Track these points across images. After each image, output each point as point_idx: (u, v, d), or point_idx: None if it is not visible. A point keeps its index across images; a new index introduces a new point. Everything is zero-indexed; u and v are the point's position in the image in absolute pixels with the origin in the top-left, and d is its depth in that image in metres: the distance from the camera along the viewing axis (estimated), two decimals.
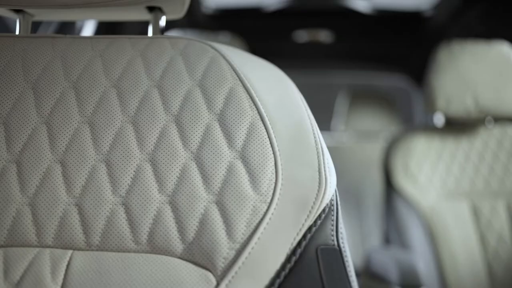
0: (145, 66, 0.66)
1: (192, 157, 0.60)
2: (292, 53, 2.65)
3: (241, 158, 0.59)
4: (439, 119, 1.74)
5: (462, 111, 1.59)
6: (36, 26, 1.49)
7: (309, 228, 0.57)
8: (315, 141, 0.61)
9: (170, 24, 2.09)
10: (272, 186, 0.57)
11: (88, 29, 1.69)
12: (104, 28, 1.73)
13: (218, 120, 0.61)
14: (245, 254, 0.55)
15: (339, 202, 0.61)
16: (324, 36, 2.45)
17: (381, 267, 1.43)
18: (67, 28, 1.62)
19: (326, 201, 0.58)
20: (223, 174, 0.58)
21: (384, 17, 2.35)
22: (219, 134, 0.60)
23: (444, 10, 2.18)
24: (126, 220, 0.57)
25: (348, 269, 0.57)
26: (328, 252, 0.56)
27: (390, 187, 1.65)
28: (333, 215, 0.59)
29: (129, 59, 0.67)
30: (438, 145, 1.67)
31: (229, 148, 0.60)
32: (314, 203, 0.57)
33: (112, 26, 1.74)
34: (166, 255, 0.56)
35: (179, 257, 0.56)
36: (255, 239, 0.55)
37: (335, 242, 0.58)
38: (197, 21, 2.24)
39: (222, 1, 2.29)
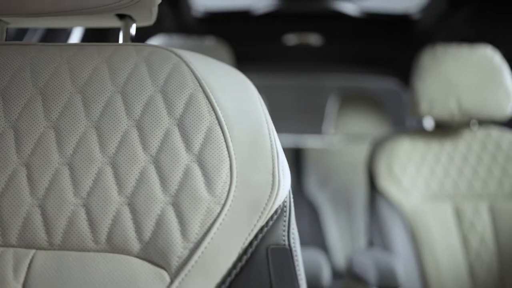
0: (110, 72, 0.69)
1: (151, 161, 0.63)
2: (282, 56, 2.68)
3: (197, 161, 0.62)
4: (428, 122, 1.76)
5: (446, 114, 1.61)
6: (23, 32, 1.52)
7: (261, 229, 0.60)
8: (271, 145, 0.64)
9: (159, 29, 2.13)
10: (227, 189, 0.60)
11: (76, 35, 1.73)
12: (91, 34, 1.76)
13: (178, 125, 0.64)
14: (198, 253, 0.58)
15: (292, 204, 0.64)
16: (313, 39, 2.48)
17: (361, 268, 1.46)
18: (56, 34, 1.65)
19: (279, 202, 0.61)
20: (180, 177, 0.61)
21: (373, 19, 2.38)
22: (178, 138, 0.63)
23: (431, 13, 2.21)
24: (87, 220, 0.60)
25: (297, 268, 0.60)
26: (279, 251, 0.59)
27: (374, 190, 1.67)
28: (285, 216, 0.62)
29: (95, 66, 0.70)
30: (422, 148, 1.69)
31: (187, 152, 0.62)
32: (266, 204, 0.60)
33: (99, 31, 1.77)
34: (124, 254, 0.59)
35: (136, 256, 0.59)
36: (208, 239, 0.58)
37: (286, 242, 0.61)
38: (187, 24, 2.27)
39: (211, 5, 2.32)
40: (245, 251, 0.59)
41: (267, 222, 0.60)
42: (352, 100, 2.72)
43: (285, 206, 0.62)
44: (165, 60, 0.70)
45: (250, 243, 0.59)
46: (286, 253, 0.60)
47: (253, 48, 2.60)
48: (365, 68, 2.76)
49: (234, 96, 0.68)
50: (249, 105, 0.68)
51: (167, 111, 0.65)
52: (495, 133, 1.72)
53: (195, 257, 0.58)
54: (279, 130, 3.36)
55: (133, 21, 0.81)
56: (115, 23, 0.82)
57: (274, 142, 0.65)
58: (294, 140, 2.85)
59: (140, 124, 0.65)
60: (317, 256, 1.42)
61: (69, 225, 0.60)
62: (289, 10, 2.30)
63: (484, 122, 1.73)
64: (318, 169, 2.67)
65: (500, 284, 1.55)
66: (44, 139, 0.65)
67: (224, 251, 0.58)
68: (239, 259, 0.58)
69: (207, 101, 0.66)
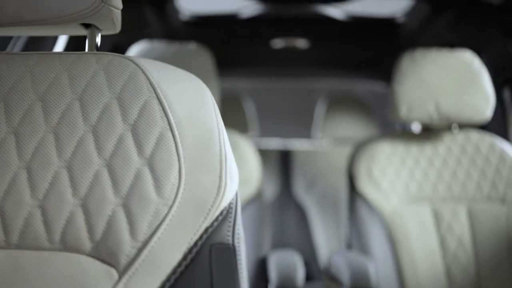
0: (69, 80, 0.73)
1: (104, 164, 0.66)
2: (270, 60, 2.72)
3: (148, 165, 0.66)
4: (416, 125, 1.79)
5: (425, 118, 1.64)
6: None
7: (206, 229, 0.64)
8: (220, 149, 0.68)
9: (146, 34, 2.17)
10: (175, 191, 0.64)
11: (60, 43, 1.77)
12: (73, 42, 1.80)
13: (131, 131, 0.68)
14: (146, 251, 0.62)
15: (239, 205, 0.68)
16: (300, 43, 2.52)
17: (336, 269, 1.50)
18: (41, 43, 1.68)
19: (224, 204, 0.65)
20: (131, 180, 0.65)
21: (360, 23, 2.41)
22: (131, 143, 0.67)
23: (415, 17, 2.24)
24: (42, 221, 0.64)
25: (239, 267, 0.63)
26: (222, 250, 0.63)
27: (353, 192, 1.70)
28: (231, 217, 0.66)
29: (56, 74, 0.74)
30: (402, 151, 1.72)
31: (139, 156, 0.66)
32: (212, 206, 0.64)
33: (80, 38, 1.81)
34: (77, 253, 0.63)
35: (88, 255, 0.63)
36: (155, 238, 0.62)
37: (230, 242, 0.65)
38: (174, 29, 2.31)
39: (198, 9, 2.36)
40: (190, 250, 0.63)
41: (212, 223, 0.64)
42: (339, 103, 2.76)
43: (231, 208, 0.66)
44: (123, 68, 0.74)
45: (195, 243, 0.63)
46: (229, 252, 0.63)
47: (240, 51, 2.64)
48: (352, 71, 2.79)
49: (187, 102, 0.72)
50: (201, 110, 0.71)
51: (122, 117, 0.69)
52: (475, 136, 1.75)
53: (143, 256, 0.61)
54: (267, 133, 3.40)
55: (98, 30, 0.84)
56: (81, 31, 0.86)
57: (223, 146, 0.69)
58: (283, 143, 2.89)
59: (96, 129, 0.69)
60: (293, 258, 1.45)
61: (26, 225, 0.64)
62: (276, 14, 2.34)
63: (465, 125, 1.75)
64: (306, 172, 2.71)
65: (477, 286, 1.58)
66: (3, 144, 0.69)
67: (170, 250, 0.62)
68: (184, 257, 0.62)
69: (160, 107, 0.70)
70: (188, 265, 0.62)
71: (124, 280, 0.61)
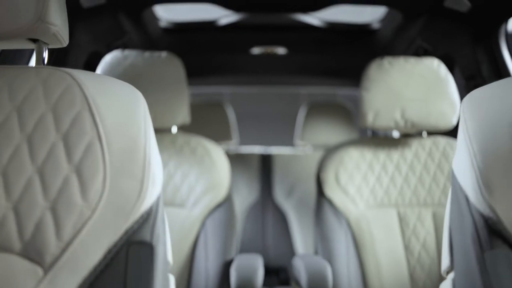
0: (9, 93, 0.80)
1: (36, 170, 0.73)
2: (249, 66, 2.79)
3: (76, 171, 0.72)
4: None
5: (391, 125, 1.69)
6: None
7: (126, 231, 0.71)
8: (144, 156, 0.75)
9: (123, 44, 2.23)
10: (98, 196, 0.71)
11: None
12: (55, 52, 1.88)
13: (63, 139, 0.75)
14: (69, 251, 0.68)
15: (160, 208, 0.75)
16: (279, 49, 2.58)
17: (297, 271, 1.55)
18: (16, 56, 1.75)
19: (145, 207, 0.72)
20: (59, 185, 0.72)
21: (337, 30, 2.47)
22: (61, 151, 0.74)
23: (389, 24, 2.31)
24: None
25: (155, 267, 0.70)
26: (139, 250, 0.70)
27: (321, 197, 1.76)
28: (151, 219, 0.73)
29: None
30: (370, 157, 1.77)
31: (68, 163, 0.73)
32: (132, 209, 0.71)
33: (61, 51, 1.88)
34: (8, 252, 0.70)
35: (18, 254, 0.70)
36: (78, 239, 0.69)
37: (149, 242, 0.71)
38: (152, 36, 2.38)
39: (176, 18, 2.43)
40: (110, 250, 0.69)
41: (132, 225, 0.71)
42: (320, 109, 2.81)
43: (152, 210, 0.73)
44: (60, 81, 0.80)
45: (115, 243, 0.70)
46: (146, 252, 0.70)
47: (219, 59, 2.70)
48: (332, 77, 2.85)
49: (117, 112, 0.78)
50: (130, 120, 0.78)
51: (55, 127, 0.76)
52: (442, 142, 1.80)
53: (66, 255, 0.68)
54: (247, 141, 3.45)
55: (45, 44, 0.91)
56: (29, 45, 0.93)
57: (148, 153, 0.75)
58: (264, 150, 2.95)
59: (31, 138, 0.75)
60: (254, 261, 1.51)
61: None
62: (254, 23, 2.40)
63: (432, 132, 1.81)
64: (286, 176, 2.77)
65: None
66: None
67: (92, 249, 0.69)
68: (104, 257, 0.69)
69: (91, 118, 0.76)
70: (107, 264, 0.69)
71: (48, 277, 0.67)
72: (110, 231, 0.70)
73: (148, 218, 0.72)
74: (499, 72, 1.98)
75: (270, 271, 2.72)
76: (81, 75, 0.83)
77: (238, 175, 2.81)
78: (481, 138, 0.79)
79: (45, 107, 0.78)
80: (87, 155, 0.73)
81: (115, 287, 0.67)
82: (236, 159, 2.85)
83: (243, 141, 3.28)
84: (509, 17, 1.84)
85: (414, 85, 1.70)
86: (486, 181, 0.75)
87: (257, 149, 2.95)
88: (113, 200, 0.71)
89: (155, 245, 0.71)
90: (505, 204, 0.73)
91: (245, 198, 2.78)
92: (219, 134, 2.75)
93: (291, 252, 2.66)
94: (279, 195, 2.75)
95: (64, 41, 0.92)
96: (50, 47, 0.93)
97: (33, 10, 0.79)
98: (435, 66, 1.75)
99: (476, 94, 0.86)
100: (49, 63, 1.91)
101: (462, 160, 0.82)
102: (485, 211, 0.75)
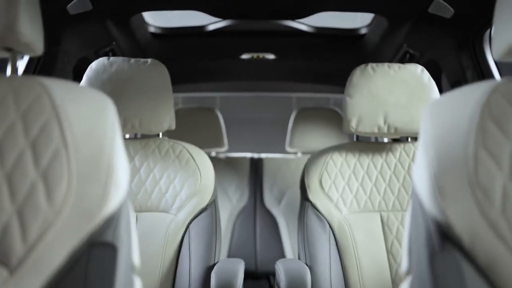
0: None
1: (4, 176, 0.77)
2: (238, 72, 2.82)
3: (42, 177, 0.76)
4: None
5: (374, 130, 1.72)
6: None
7: (90, 234, 0.74)
8: (109, 161, 0.78)
9: (111, 50, 2.27)
10: (63, 200, 0.74)
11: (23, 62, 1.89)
12: (42, 59, 1.92)
13: (31, 147, 0.79)
14: (34, 254, 0.72)
15: (125, 212, 0.78)
16: (268, 55, 2.62)
17: (278, 276, 1.58)
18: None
19: (109, 211, 0.75)
20: (26, 190, 0.75)
21: (326, 35, 2.51)
22: (29, 158, 0.78)
23: (376, 30, 2.34)
24: None
25: (117, 268, 0.73)
26: (102, 253, 0.73)
27: (305, 202, 1.78)
28: (114, 223, 0.76)
29: None
30: (354, 162, 1.80)
31: (35, 170, 0.77)
32: (96, 213, 0.74)
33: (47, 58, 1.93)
34: None
35: None
36: (43, 242, 0.72)
37: (111, 245, 0.74)
38: (140, 43, 2.42)
39: (164, 24, 2.47)
40: (73, 253, 0.73)
41: (96, 228, 0.74)
42: (311, 114, 2.84)
43: (116, 214, 0.76)
44: (30, 90, 0.84)
45: (79, 246, 0.73)
46: (108, 254, 0.73)
47: (207, 63, 2.74)
48: (321, 83, 2.89)
49: (85, 120, 0.82)
50: (98, 127, 0.82)
51: (24, 134, 0.79)
52: None
53: (31, 257, 0.72)
54: (238, 148, 3.47)
55: (20, 52, 0.95)
56: (3, 54, 0.96)
57: (112, 159, 0.79)
58: (256, 155, 2.98)
59: (0, 145, 0.79)
60: (235, 265, 1.55)
61: None
62: (243, 28, 2.44)
63: (416, 137, 1.83)
64: (276, 181, 2.80)
65: None
66: None
67: (56, 252, 0.72)
68: (67, 259, 0.72)
69: (58, 126, 0.80)
70: (70, 266, 0.72)
71: (14, 278, 0.71)
72: (74, 234, 0.73)
73: (112, 221, 0.76)
74: (484, 77, 2.01)
75: (260, 276, 2.75)
76: (52, 84, 0.86)
77: (229, 180, 2.84)
78: (438, 144, 0.82)
79: (15, 115, 0.81)
80: (54, 161, 0.77)
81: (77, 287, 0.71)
82: (226, 164, 2.88)
83: (233, 148, 3.31)
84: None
85: (397, 91, 1.72)
86: (439, 186, 0.79)
87: (248, 154, 2.98)
88: (77, 204, 0.74)
89: (117, 247, 0.75)
90: (457, 209, 0.76)
91: (235, 203, 2.81)
92: (210, 140, 2.78)
93: (282, 257, 2.69)
94: (269, 200, 2.78)
95: (38, 50, 0.96)
96: (27, 55, 0.97)
97: (4, 20, 0.83)
98: (419, 72, 1.76)
99: (438, 101, 0.90)
100: (35, 69, 1.95)
101: (420, 165, 0.85)
102: (438, 215, 0.78)
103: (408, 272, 0.85)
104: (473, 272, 0.73)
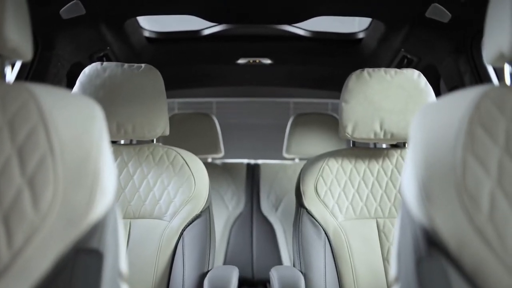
0: None
1: None
2: (234, 77, 2.84)
3: (28, 184, 0.77)
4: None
5: (370, 136, 1.72)
6: None
7: (76, 240, 0.75)
8: (95, 167, 0.79)
9: (106, 55, 2.29)
10: (49, 206, 0.75)
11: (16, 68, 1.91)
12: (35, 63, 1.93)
13: (17, 153, 0.79)
14: (20, 260, 0.73)
15: (112, 218, 0.79)
16: (264, 60, 2.63)
17: (272, 283, 1.59)
18: None
19: (95, 217, 0.76)
20: (12, 196, 0.76)
21: (323, 40, 2.52)
22: (15, 164, 0.78)
23: (373, 34, 2.36)
24: None
25: (103, 275, 0.74)
26: (87, 260, 0.74)
27: (301, 209, 1.79)
28: (100, 229, 0.76)
29: None
30: (350, 168, 1.80)
31: (21, 176, 0.78)
32: (82, 219, 0.75)
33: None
34: None
35: None
36: (29, 248, 0.73)
37: (97, 251, 0.75)
38: (136, 45, 2.43)
39: (158, 29, 2.49)
40: (58, 259, 0.73)
41: (82, 234, 0.75)
42: (308, 119, 2.85)
43: (103, 220, 0.77)
44: (17, 97, 0.85)
45: (64, 252, 0.74)
46: (94, 261, 0.74)
47: (203, 69, 2.75)
48: (318, 88, 2.90)
49: (71, 126, 0.83)
50: (85, 134, 0.82)
51: (10, 141, 0.80)
52: None
53: (17, 263, 0.72)
54: (234, 155, 3.47)
55: (7, 58, 0.96)
56: None
57: (99, 165, 0.80)
58: (253, 161, 2.99)
59: None
60: (228, 272, 1.55)
61: None
62: (239, 32, 2.45)
63: None
64: (273, 188, 2.81)
65: None
66: None
67: (41, 258, 0.73)
68: (53, 265, 0.73)
69: (45, 133, 0.81)
70: (56, 272, 0.73)
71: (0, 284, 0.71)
72: (59, 241, 0.74)
73: (98, 227, 0.77)
74: (481, 82, 2.02)
75: (257, 284, 2.75)
76: (39, 90, 0.87)
77: (225, 186, 2.84)
78: (426, 149, 0.83)
79: (1, 121, 0.82)
80: (40, 167, 0.78)
81: None
82: (223, 170, 2.89)
83: (230, 154, 3.32)
84: None
85: (393, 96, 1.72)
86: (427, 192, 0.79)
87: (245, 160, 2.99)
88: (63, 211, 0.75)
89: (103, 254, 0.75)
90: (444, 215, 0.77)
91: (231, 210, 2.82)
92: (207, 146, 2.79)
93: (278, 264, 2.69)
94: (266, 206, 2.79)
95: (26, 55, 0.97)
96: (15, 60, 0.98)
97: None
98: (415, 77, 1.76)
99: (428, 106, 0.91)
100: (28, 74, 1.96)
101: (408, 171, 0.86)
102: (425, 221, 0.78)
103: (396, 279, 0.85)
104: (460, 279, 0.74)
